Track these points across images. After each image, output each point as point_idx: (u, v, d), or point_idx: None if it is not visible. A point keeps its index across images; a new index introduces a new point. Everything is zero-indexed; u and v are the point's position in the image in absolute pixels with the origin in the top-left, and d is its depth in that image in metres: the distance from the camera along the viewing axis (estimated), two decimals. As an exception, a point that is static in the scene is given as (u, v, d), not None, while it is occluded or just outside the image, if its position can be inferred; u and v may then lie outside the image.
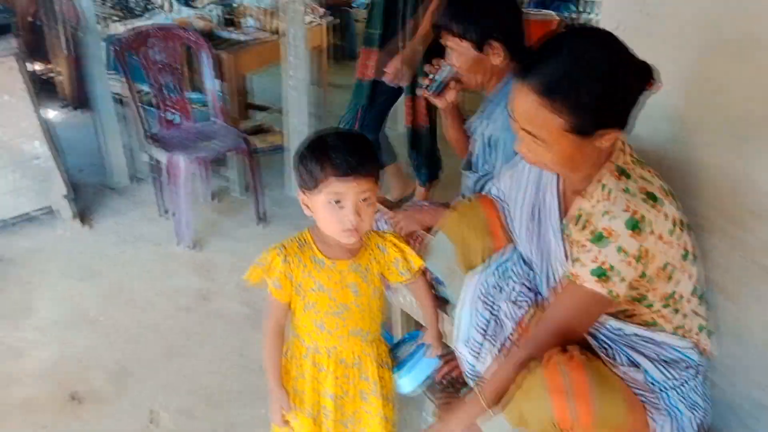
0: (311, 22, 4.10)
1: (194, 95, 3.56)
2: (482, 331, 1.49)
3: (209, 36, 3.40)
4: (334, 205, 1.31)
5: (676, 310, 1.34)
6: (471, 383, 1.55)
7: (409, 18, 2.60)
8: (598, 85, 1.16)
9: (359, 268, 1.44)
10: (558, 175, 1.41)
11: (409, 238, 1.97)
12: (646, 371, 1.32)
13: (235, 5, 3.77)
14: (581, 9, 7.59)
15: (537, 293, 1.50)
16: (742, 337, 1.49)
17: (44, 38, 4.44)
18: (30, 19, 4.05)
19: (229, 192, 3.49)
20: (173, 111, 3.10)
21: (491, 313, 1.49)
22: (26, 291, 2.63)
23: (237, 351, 2.30)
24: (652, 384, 1.31)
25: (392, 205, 2.15)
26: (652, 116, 1.37)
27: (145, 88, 3.21)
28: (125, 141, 3.49)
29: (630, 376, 1.28)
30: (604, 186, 1.26)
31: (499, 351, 1.47)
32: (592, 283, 1.23)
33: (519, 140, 1.29)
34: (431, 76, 1.88)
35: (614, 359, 1.33)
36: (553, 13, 6.06)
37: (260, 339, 1.50)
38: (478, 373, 1.50)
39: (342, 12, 5.58)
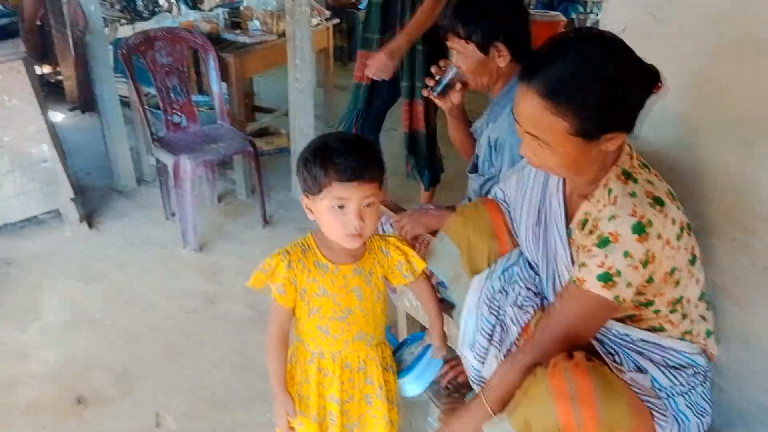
0: (317, 24, 4.10)
1: (200, 98, 3.58)
2: (488, 336, 1.48)
3: (215, 39, 3.40)
4: (337, 210, 1.31)
5: (684, 315, 1.33)
6: (476, 388, 1.54)
7: (407, 21, 2.59)
8: (603, 88, 1.15)
9: (363, 272, 1.44)
10: (563, 179, 1.40)
11: (415, 242, 1.97)
12: (653, 377, 1.31)
13: (241, 8, 3.78)
14: (588, 10, 7.59)
15: (543, 298, 1.49)
16: (750, 341, 1.48)
17: (51, 41, 4.47)
18: (37, 22, 4.07)
19: (234, 195, 3.50)
20: (179, 114, 3.10)
21: (497, 318, 1.48)
22: (32, 293, 2.64)
23: (242, 354, 2.30)
24: (659, 390, 1.30)
25: (397, 209, 2.14)
26: (655, 119, 1.36)
27: (152, 91, 3.22)
28: (132, 144, 3.50)
29: (637, 382, 1.27)
30: (610, 190, 1.25)
31: (505, 356, 1.46)
32: (598, 288, 1.22)
33: (524, 144, 1.28)
34: (436, 78, 1.87)
35: (621, 365, 1.32)
36: (559, 14, 6.05)
37: (265, 342, 1.49)
38: (483, 378, 1.49)
39: (348, 14, 5.57)
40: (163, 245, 3.00)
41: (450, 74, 1.85)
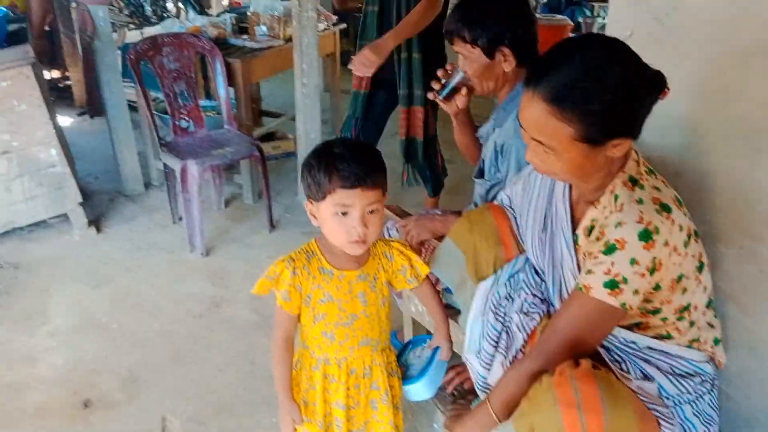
0: (324, 29, 4.11)
1: (207, 103, 3.59)
2: (494, 343, 1.48)
3: (222, 44, 3.42)
4: (341, 216, 1.31)
5: (691, 323, 1.32)
6: (481, 395, 1.53)
7: None
8: (608, 94, 1.14)
9: (367, 278, 1.44)
10: (570, 185, 1.40)
11: (421, 247, 1.97)
12: (659, 385, 1.30)
13: (248, 13, 3.79)
14: (596, 14, 7.57)
15: (549, 304, 1.48)
16: (757, 349, 1.47)
17: (59, 46, 4.51)
18: (46, 27, 4.10)
19: (241, 199, 3.51)
20: (186, 119, 3.12)
21: (503, 324, 1.48)
22: (40, 297, 2.65)
23: (248, 358, 2.30)
24: (666, 398, 1.29)
25: (403, 213, 2.14)
26: (662, 124, 1.35)
27: (159, 95, 3.24)
28: (139, 148, 3.52)
29: (643, 390, 1.26)
30: (617, 197, 1.24)
31: (511, 363, 1.45)
32: (604, 296, 1.21)
33: (529, 149, 1.28)
34: (442, 81, 1.87)
35: (627, 372, 1.31)
36: (566, 18, 6.04)
37: (270, 347, 1.49)
38: (489, 385, 1.49)
39: (354, 18, 5.57)
40: (170, 249, 3.01)
41: (456, 78, 1.84)
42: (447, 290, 1.74)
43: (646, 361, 1.33)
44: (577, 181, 1.32)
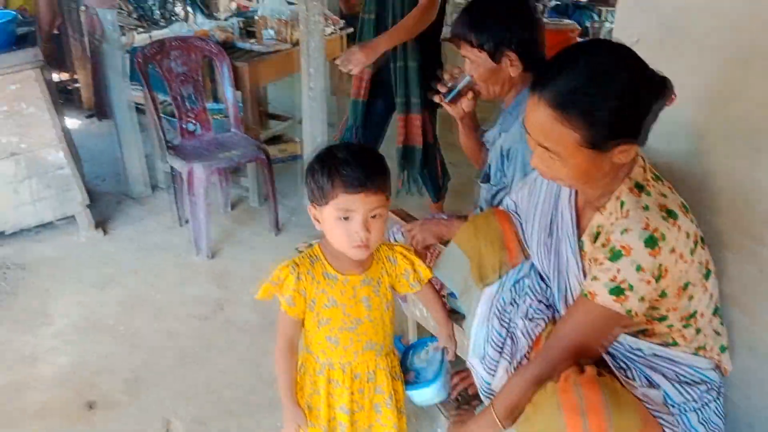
0: (331, 33, 4.11)
1: (214, 106, 3.60)
2: (498, 348, 1.47)
3: (229, 47, 3.43)
4: (343, 220, 1.31)
5: (697, 330, 1.31)
6: (485, 400, 1.53)
7: None
8: (614, 100, 1.14)
9: (371, 282, 1.44)
10: (576, 191, 1.39)
11: (425, 251, 1.96)
12: (665, 392, 1.29)
13: (255, 17, 3.80)
14: (603, 18, 7.56)
15: (554, 310, 1.47)
16: (758, 350, 1.46)
17: (67, 49, 4.53)
18: (55, 31, 4.13)
19: (246, 202, 3.51)
20: (193, 121, 3.13)
21: (507, 330, 1.47)
22: (44, 298, 2.66)
23: (251, 360, 2.30)
24: (672, 406, 1.28)
25: (408, 217, 2.14)
26: (669, 130, 1.35)
27: (166, 98, 3.25)
28: (146, 151, 3.53)
29: (648, 398, 1.25)
30: (622, 203, 1.24)
31: (515, 369, 1.45)
32: (609, 302, 1.21)
33: (535, 155, 1.27)
34: (448, 85, 1.87)
35: (632, 379, 1.30)
36: (573, 22, 6.03)
37: (274, 351, 1.49)
38: (493, 391, 1.48)
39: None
40: (176, 251, 3.02)
41: (462, 82, 1.84)
42: (452, 295, 1.74)
43: (652, 368, 1.32)
44: (583, 187, 1.31)
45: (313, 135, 3.27)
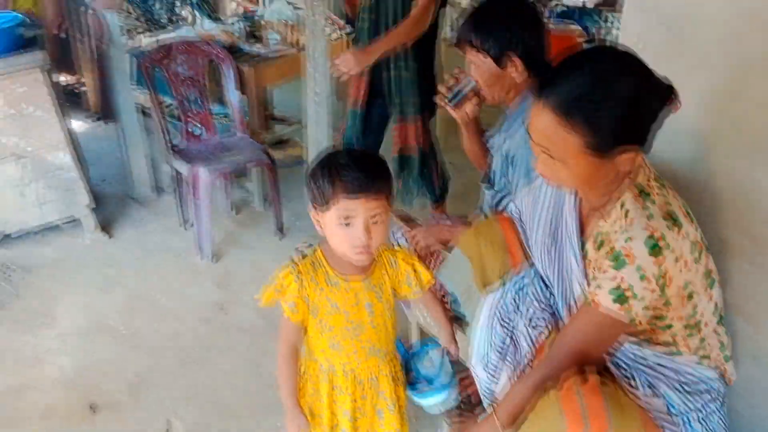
0: (336, 38, 4.12)
1: (218, 109, 3.61)
2: (500, 354, 1.47)
3: (234, 50, 3.44)
4: (344, 225, 1.31)
5: (701, 338, 1.31)
6: (486, 404, 1.52)
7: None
8: (617, 104, 1.14)
9: (373, 287, 1.43)
10: (577, 194, 1.39)
11: (428, 254, 1.96)
12: (668, 400, 1.28)
13: (260, 20, 3.81)
14: (608, 22, 7.54)
15: (555, 314, 1.47)
16: (761, 358, 1.46)
17: (70, 50, 4.54)
18: (57, 33, 4.14)
19: (250, 204, 3.51)
20: (196, 124, 3.13)
21: (509, 335, 1.47)
22: (48, 300, 2.66)
23: (254, 363, 2.30)
24: (675, 415, 1.28)
25: (410, 220, 2.13)
26: (671, 134, 1.34)
27: (169, 100, 3.26)
28: (149, 152, 3.54)
29: (651, 405, 1.25)
30: (624, 206, 1.24)
31: (517, 373, 1.44)
32: (611, 306, 1.20)
33: (536, 158, 1.27)
34: (453, 88, 1.87)
35: (635, 387, 1.30)
36: (577, 26, 6.02)
37: (276, 355, 1.49)
38: (495, 396, 1.48)
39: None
40: (179, 254, 3.02)
41: (466, 86, 1.84)
42: (454, 300, 1.74)
43: (655, 376, 1.31)
44: (587, 193, 1.31)
45: (318, 139, 3.27)
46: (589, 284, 1.32)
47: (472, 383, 1.63)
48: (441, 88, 1.90)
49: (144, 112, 3.52)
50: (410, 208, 2.90)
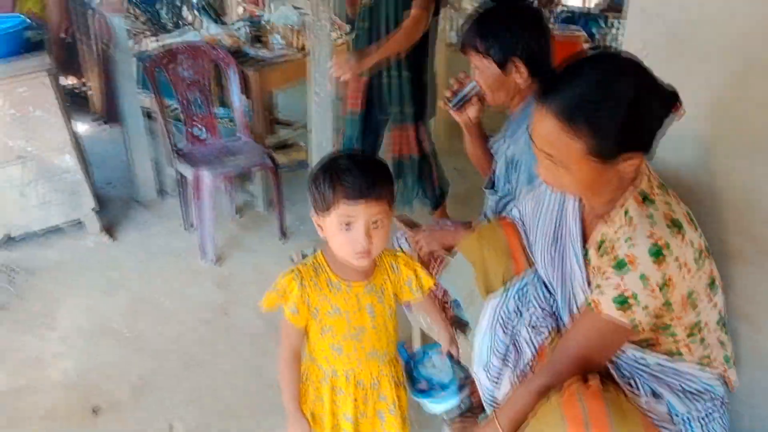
0: (341, 44, 4.12)
1: (221, 111, 3.61)
2: (501, 357, 1.47)
3: (237, 53, 3.45)
4: (345, 228, 1.31)
5: (702, 341, 1.31)
6: (488, 409, 1.52)
7: None
8: (620, 110, 1.14)
9: (374, 290, 1.43)
10: (581, 200, 1.39)
11: (430, 258, 1.96)
12: (669, 403, 1.28)
13: (263, 23, 3.82)
14: (611, 25, 7.55)
15: (558, 319, 1.47)
16: (763, 361, 1.46)
17: (77, 53, 4.56)
18: (63, 36, 4.16)
19: (252, 207, 3.52)
20: (200, 127, 3.14)
21: (511, 338, 1.46)
22: (51, 302, 2.67)
23: (256, 365, 2.30)
24: (676, 417, 1.27)
25: (413, 224, 2.13)
26: (675, 139, 1.34)
27: (174, 103, 3.26)
28: (153, 155, 3.55)
29: (653, 408, 1.24)
30: (627, 212, 1.23)
31: (519, 378, 1.44)
32: (614, 312, 1.20)
33: (540, 164, 1.27)
34: (455, 90, 1.87)
35: (636, 390, 1.29)
36: (581, 30, 6.02)
37: (278, 359, 1.49)
38: (496, 399, 1.47)
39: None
40: (182, 256, 3.03)
41: (468, 89, 1.84)
42: (456, 303, 1.73)
43: (656, 378, 1.31)
44: (589, 197, 1.31)
45: (320, 142, 3.28)
46: (590, 287, 1.32)
47: (474, 387, 1.63)
48: (445, 92, 1.90)
49: (148, 115, 3.53)
50: (410, 212, 2.91)
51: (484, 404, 1.54)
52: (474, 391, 1.76)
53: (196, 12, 6.97)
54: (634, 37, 1.61)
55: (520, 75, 1.74)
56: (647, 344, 1.32)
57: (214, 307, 2.66)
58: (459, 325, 1.80)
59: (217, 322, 2.56)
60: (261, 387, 2.20)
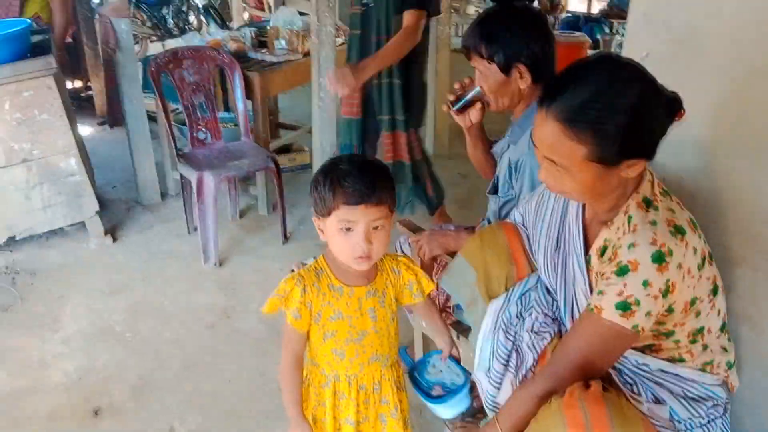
0: (342, 44, 4.14)
1: (225, 115, 3.63)
2: (504, 362, 1.46)
3: (241, 57, 3.46)
4: (345, 232, 1.31)
5: (705, 346, 1.30)
6: (490, 414, 1.52)
7: None
8: (622, 115, 1.14)
9: (376, 293, 1.43)
10: (583, 205, 1.39)
11: (432, 262, 1.96)
12: (671, 408, 1.28)
13: (267, 27, 3.84)
14: (614, 31, 7.56)
15: (560, 324, 1.46)
16: (765, 365, 1.45)
17: (81, 57, 4.59)
18: (68, 39, 4.18)
19: (255, 210, 3.53)
20: (204, 130, 3.15)
21: (513, 343, 1.46)
22: (55, 304, 2.68)
23: (257, 369, 2.30)
24: (678, 422, 1.27)
25: (416, 228, 2.14)
26: (676, 144, 1.34)
27: (178, 107, 3.28)
28: (157, 159, 3.56)
29: (654, 413, 1.24)
30: (630, 218, 1.23)
31: (520, 382, 1.44)
32: (616, 317, 1.20)
33: (542, 168, 1.27)
34: (458, 94, 1.87)
35: (638, 395, 1.29)
36: (584, 35, 6.03)
37: (280, 363, 1.48)
38: (498, 404, 1.47)
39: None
40: (185, 259, 3.03)
41: (472, 92, 1.84)
42: (458, 307, 1.73)
43: (658, 384, 1.31)
44: (590, 201, 1.31)
45: (323, 145, 3.28)
46: (592, 292, 1.32)
47: (475, 391, 1.62)
48: (447, 94, 1.90)
49: (150, 117, 3.55)
50: (409, 216, 2.91)
51: (486, 408, 1.54)
52: (476, 395, 1.76)
53: (201, 17, 7.02)
54: (636, 42, 1.61)
55: (523, 80, 1.74)
56: (649, 349, 1.32)
57: (215, 309, 2.66)
58: (461, 329, 1.79)
59: (218, 325, 2.56)
60: (262, 390, 2.20)
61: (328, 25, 3.10)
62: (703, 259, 1.21)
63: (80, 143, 3.09)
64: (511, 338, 1.47)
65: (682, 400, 1.29)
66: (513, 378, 1.45)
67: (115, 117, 4.15)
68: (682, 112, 1.19)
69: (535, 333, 1.44)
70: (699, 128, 1.46)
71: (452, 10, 4.61)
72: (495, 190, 1.96)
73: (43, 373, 2.28)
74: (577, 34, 6.08)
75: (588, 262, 1.34)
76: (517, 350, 1.46)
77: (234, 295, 2.76)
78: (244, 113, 3.24)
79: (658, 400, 1.29)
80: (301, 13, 3.91)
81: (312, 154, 3.46)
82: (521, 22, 1.75)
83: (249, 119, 3.29)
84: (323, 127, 3.28)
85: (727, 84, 1.42)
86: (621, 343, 1.25)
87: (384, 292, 1.45)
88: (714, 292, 1.27)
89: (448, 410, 1.59)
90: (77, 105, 4.50)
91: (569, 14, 8.22)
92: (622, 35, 6.62)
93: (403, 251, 2.07)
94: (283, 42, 3.66)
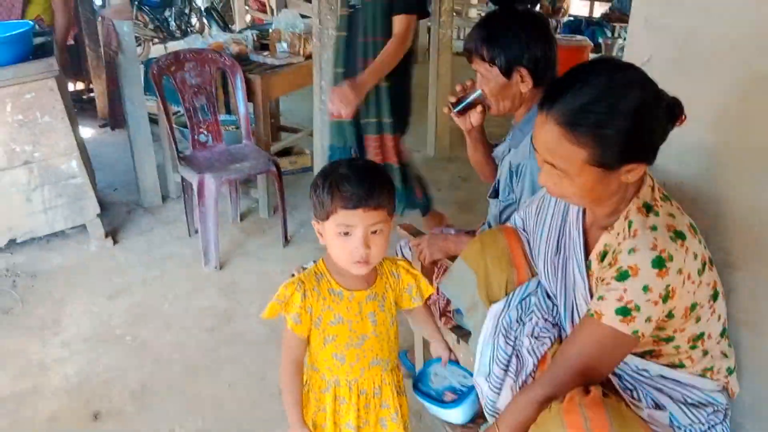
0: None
1: (226, 117, 3.63)
2: (503, 367, 1.46)
3: (243, 60, 3.46)
4: (343, 236, 1.30)
5: (705, 352, 1.30)
6: (490, 419, 1.51)
7: (370, 57, 2.61)
8: (622, 119, 1.14)
9: (376, 297, 1.43)
10: (584, 210, 1.38)
11: (433, 266, 1.95)
12: (671, 414, 1.28)
13: (269, 30, 3.84)
14: (616, 35, 7.57)
15: (560, 329, 1.46)
16: (766, 369, 1.45)
17: (83, 59, 4.59)
18: (70, 41, 4.19)
19: (256, 213, 3.53)
20: (205, 133, 3.16)
21: (513, 348, 1.46)
22: (55, 307, 2.68)
23: (258, 373, 2.30)
24: (678, 428, 1.27)
25: (416, 232, 2.13)
26: (679, 150, 1.34)
27: (180, 109, 3.28)
28: (158, 161, 3.56)
29: (654, 419, 1.23)
30: (630, 223, 1.23)
31: (521, 387, 1.43)
32: (616, 323, 1.19)
33: (542, 172, 1.27)
34: (459, 96, 1.87)
35: (638, 401, 1.29)
36: (586, 39, 6.03)
37: (280, 361, 1.48)
38: (498, 409, 1.46)
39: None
40: (185, 262, 3.03)
41: (473, 95, 1.84)
42: (458, 311, 1.73)
43: (658, 389, 1.30)
44: (590, 205, 1.31)
45: (324, 148, 3.28)
46: (592, 297, 1.31)
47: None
48: (448, 96, 1.90)
49: (152, 120, 3.55)
50: (398, 217, 2.91)
51: (485, 413, 1.53)
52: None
53: (204, 19, 7.03)
54: (637, 46, 1.61)
55: (524, 84, 1.74)
56: (649, 354, 1.31)
57: (216, 313, 2.66)
58: (461, 333, 1.79)
59: (219, 329, 2.56)
60: (263, 394, 2.19)
61: (329, 27, 3.10)
62: (704, 264, 1.21)
63: (81, 145, 3.09)
64: (512, 343, 1.46)
65: (682, 406, 1.29)
66: (513, 383, 1.44)
67: (116, 119, 4.14)
68: (683, 117, 1.19)
69: (536, 338, 1.44)
70: (700, 133, 1.45)
71: (454, 13, 4.60)
72: (496, 194, 1.95)
73: (43, 376, 2.28)
74: (579, 37, 6.08)
75: (588, 267, 1.34)
76: (517, 355, 1.45)
77: (234, 298, 2.76)
78: (246, 116, 3.24)
79: (658, 406, 1.29)
80: (303, 16, 3.92)
81: (313, 157, 3.46)
82: (523, 25, 1.74)
83: (250, 122, 3.29)
84: (324, 130, 3.28)
85: (728, 89, 1.42)
86: (621, 348, 1.24)
87: (384, 295, 1.45)
88: (714, 297, 1.27)
89: (465, 412, 1.59)
90: (79, 107, 4.50)
91: (571, 17, 8.22)
92: (624, 39, 6.63)
93: (403, 255, 2.06)
94: (284, 45, 3.67)
